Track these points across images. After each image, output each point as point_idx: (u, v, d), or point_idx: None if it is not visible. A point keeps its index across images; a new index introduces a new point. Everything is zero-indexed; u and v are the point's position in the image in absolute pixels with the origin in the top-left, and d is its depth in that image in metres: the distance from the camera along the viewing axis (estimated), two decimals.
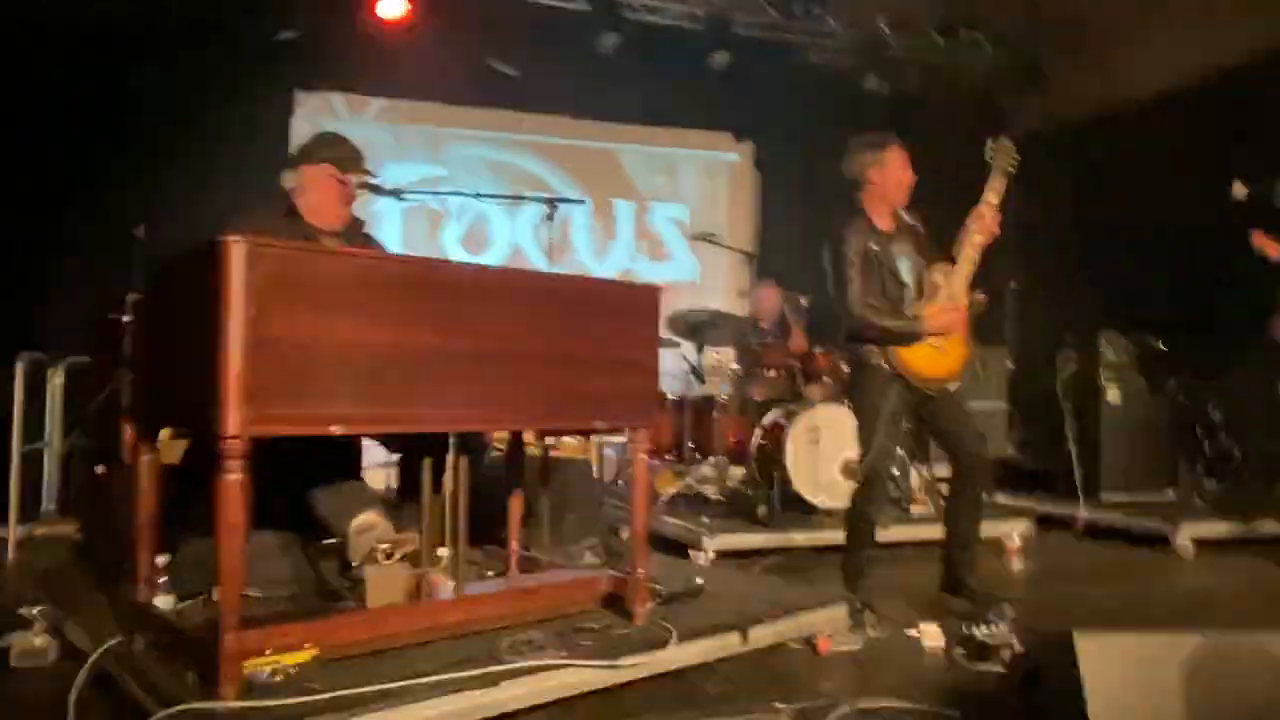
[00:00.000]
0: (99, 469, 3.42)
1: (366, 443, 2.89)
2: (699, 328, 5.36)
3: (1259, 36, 5.79)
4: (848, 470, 4.59)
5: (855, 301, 3.24)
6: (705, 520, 4.49)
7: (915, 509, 4.85)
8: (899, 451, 4.66)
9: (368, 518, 2.48)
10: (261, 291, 1.85)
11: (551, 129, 7.21)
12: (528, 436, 3.20)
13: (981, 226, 3.26)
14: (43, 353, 4.51)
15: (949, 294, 3.26)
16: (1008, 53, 7.32)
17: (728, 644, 2.54)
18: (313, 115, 6.52)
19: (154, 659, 2.14)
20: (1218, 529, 4.81)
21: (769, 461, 4.78)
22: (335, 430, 1.99)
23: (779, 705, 2.34)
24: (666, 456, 5.39)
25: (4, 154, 5.24)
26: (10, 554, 4.16)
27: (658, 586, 2.70)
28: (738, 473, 5.13)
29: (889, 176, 3.30)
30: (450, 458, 2.41)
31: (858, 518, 3.31)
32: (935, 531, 4.39)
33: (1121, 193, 6.53)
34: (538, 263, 7.00)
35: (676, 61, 6.76)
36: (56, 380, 4.56)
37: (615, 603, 2.60)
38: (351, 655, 2.13)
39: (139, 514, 2.35)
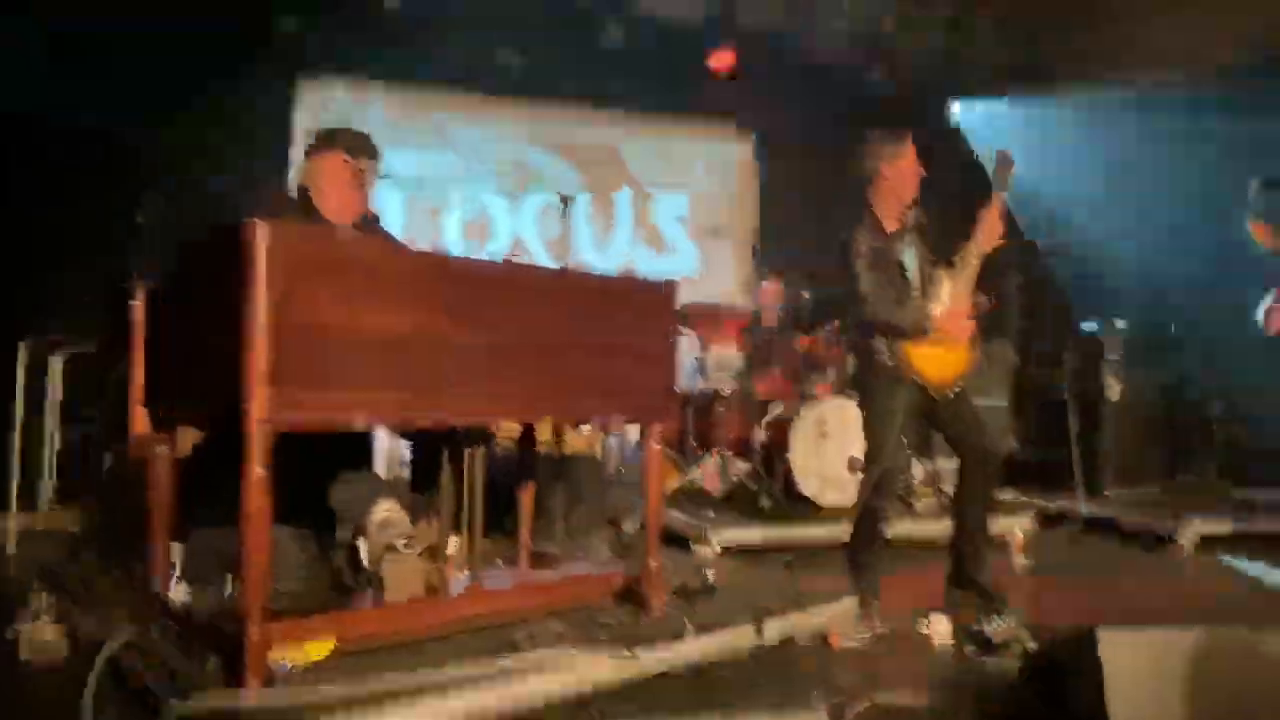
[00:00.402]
0: (108, 458, 3.39)
1: (379, 435, 2.88)
2: (701, 321, 5.36)
3: (1273, 32, 5.80)
4: (853, 466, 4.60)
5: (864, 296, 3.25)
6: (709, 514, 4.49)
7: (919, 504, 4.86)
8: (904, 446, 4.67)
9: (385, 511, 2.47)
10: (286, 274, 1.83)
11: (554, 118, 7.17)
12: (539, 430, 3.20)
13: (986, 235, 3.30)
14: (44, 338, 4.47)
15: (954, 296, 3.29)
16: (1013, 45, 7.31)
17: (743, 637, 2.55)
18: (315, 103, 6.47)
19: (172, 649, 2.12)
20: (1221, 525, 4.84)
21: (773, 455, 4.78)
22: (359, 419, 1.98)
23: (816, 704, 2.33)
24: (670, 451, 5.39)
25: (2, 139, 5.19)
26: (12, 542, 4.13)
27: (672, 580, 2.70)
28: (741, 467, 5.13)
29: (902, 172, 3.31)
30: (468, 451, 2.40)
31: (867, 516, 3.32)
32: (939, 527, 4.41)
33: (1123, 185, 6.54)
34: (540, 254, 6.98)
35: (680, 53, 6.74)
36: (57, 367, 4.52)
37: (630, 596, 2.60)
38: (370, 648, 2.12)
39: (154, 504, 2.34)
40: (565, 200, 3.52)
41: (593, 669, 2.18)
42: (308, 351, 1.86)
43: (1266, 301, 4.43)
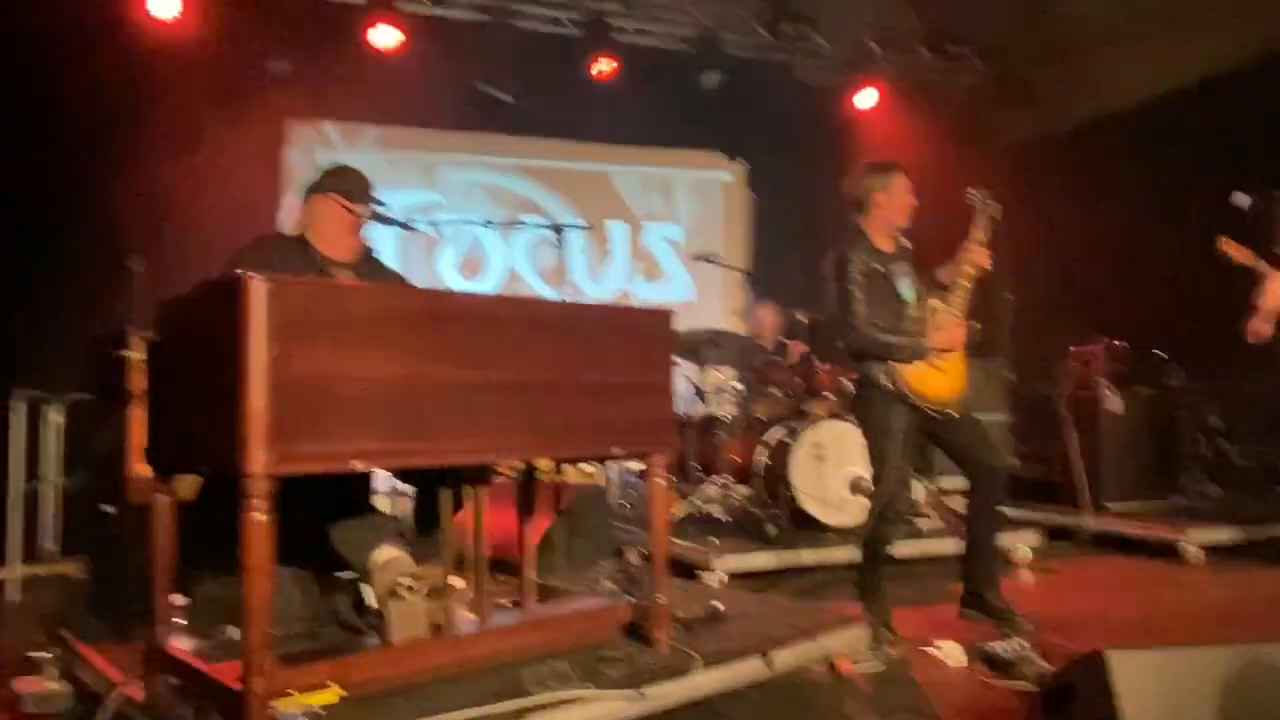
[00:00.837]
0: (107, 508, 3.38)
1: (376, 472, 2.87)
2: (699, 348, 5.37)
3: (1247, 42, 5.87)
4: (856, 486, 4.60)
5: (860, 319, 3.27)
6: (714, 541, 4.48)
7: (923, 524, 4.85)
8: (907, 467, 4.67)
9: (388, 552, 2.46)
10: (283, 329, 1.84)
11: (545, 152, 7.22)
12: (540, 463, 3.19)
13: (973, 262, 3.35)
14: (40, 390, 4.46)
15: (948, 317, 3.32)
16: (995, 66, 7.40)
17: (752, 669, 2.53)
18: (306, 144, 6.52)
19: (176, 702, 2.10)
20: (1222, 534, 4.83)
21: (775, 480, 4.77)
22: (358, 465, 1.97)
23: None
24: (671, 477, 5.37)
25: None
26: (16, 592, 4.11)
27: (678, 613, 2.68)
28: (743, 492, 5.12)
29: (894, 201, 3.37)
30: (471, 490, 2.40)
31: (874, 538, 3.31)
32: (944, 546, 4.41)
33: (1116, 200, 6.58)
34: (535, 286, 7.00)
35: (669, 82, 6.81)
36: (54, 418, 4.51)
37: (636, 630, 2.58)
38: (377, 693, 2.10)
39: (155, 554, 2.32)
40: (558, 230, 3.54)
41: (600, 708, 2.16)
42: (304, 403, 1.86)
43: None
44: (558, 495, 3.48)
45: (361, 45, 6.10)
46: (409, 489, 3.00)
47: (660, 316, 2.64)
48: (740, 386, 5.37)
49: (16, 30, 5.08)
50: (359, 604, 2.59)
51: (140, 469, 2.37)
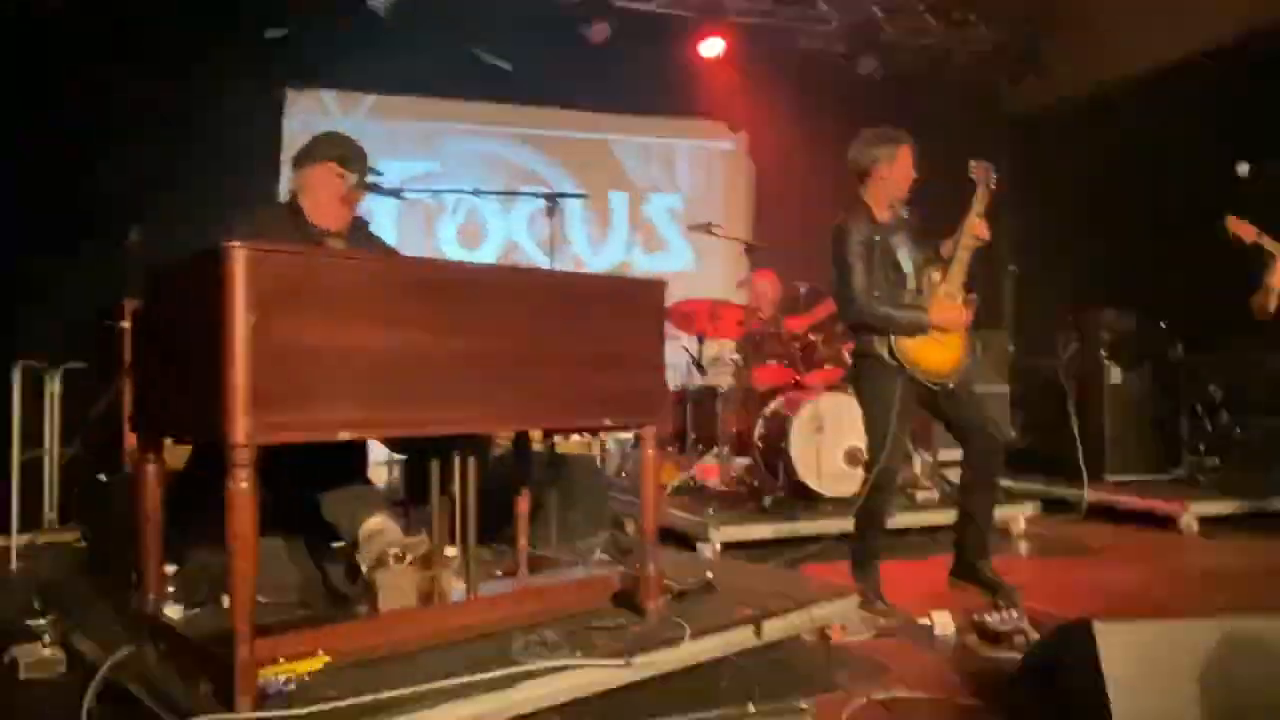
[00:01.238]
0: (101, 477, 3.39)
1: (370, 442, 2.87)
2: (697, 318, 5.34)
3: (1256, 12, 5.77)
4: (852, 457, 4.59)
5: (859, 291, 3.25)
6: (710, 512, 4.48)
7: (920, 495, 4.85)
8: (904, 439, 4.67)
9: (377, 521, 2.46)
10: (264, 297, 1.82)
11: (545, 121, 7.16)
12: (533, 433, 3.18)
13: (972, 235, 3.32)
14: (39, 359, 4.47)
15: (947, 291, 3.29)
16: (1002, 32, 7.29)
17: (741, 638, 2.53)
18: (304, 113, 6.46)
19: (166, 670, 2.12)
20: (1223, 507, 4.82)
21: (773, 451, 4.77)
22: (343, 435, 1.97)
23: (801, 705, 2.33)
24: (669, 448, 5.38)
25: None
26: (13, 563, 4.14)
27: (669, 582, 2.68)
28: (741, 463, 5.12)
29: (898, 172, 3.33)
30: (457, 459, 2.39)
31: (869, 509, 3.31)
32: (941, 517, 4.41)
33: (1118, 170, 6.51)
34: (534, 256, 6.97)
35: (669, 50, 6.72)
36: (54, 387, 4.52)
37: (627, 600, 2.59)
38: (365, 661, 2.11)
39: (144, 522, 2.33)
40: (551, 201, 3.51)
41: (588, 676, 2.16)
42: (288, 372, 1.85)
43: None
44: (551, 466, 3.48)
45: (361, 12, 6.02)
46: (400, 458, 3.00)
47: (652, 287, 2.62)
48: (738, 357, 5.35)
49: (9, 2, 5.03)
50: (352, 573, 2.60)
51: (132, 438, 2.37)
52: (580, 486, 3.66)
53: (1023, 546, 4.47)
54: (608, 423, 2.47)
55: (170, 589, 2.39)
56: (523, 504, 2.89)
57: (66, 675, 2.54)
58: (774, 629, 2.62)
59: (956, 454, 3.64)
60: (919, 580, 3.56)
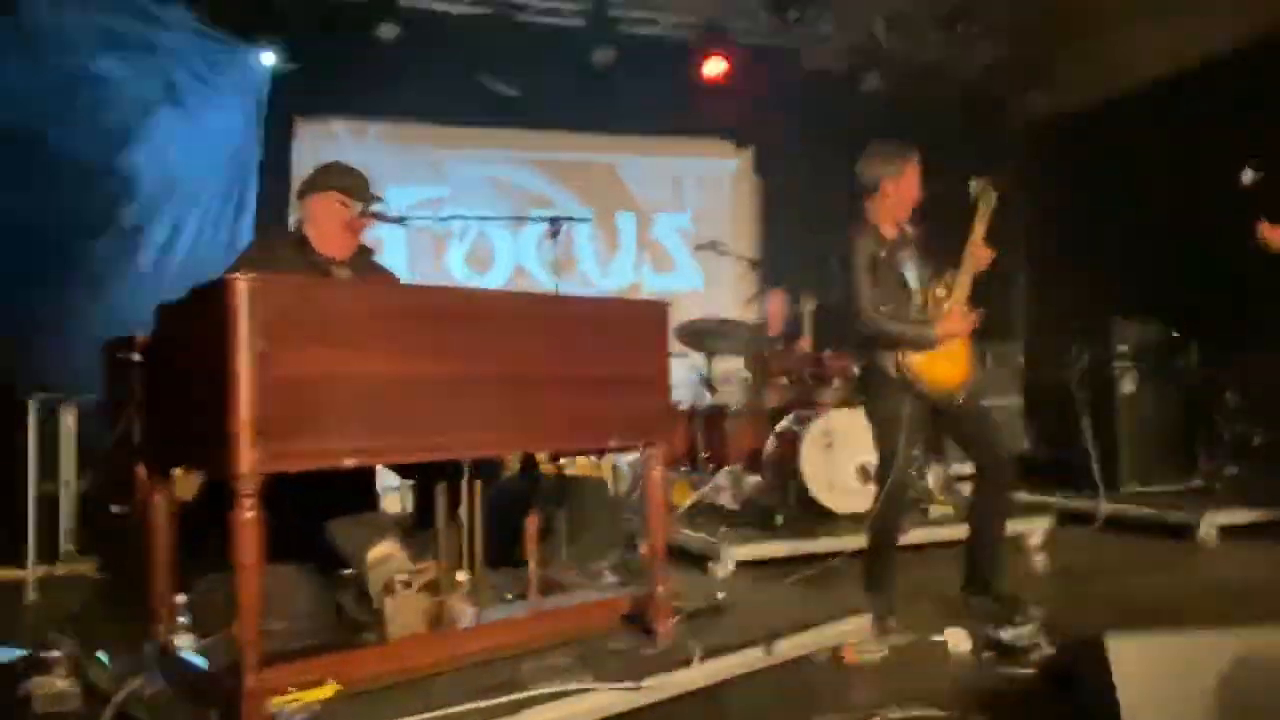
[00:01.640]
0: (115, 508, 3.42)
1: (379, 468, 2.88)
2: (707, 337, 5.35)
3: (1260, 18, 5.76)
4: (864, 473, 4.57)
5: (866, 307, 3.25)
6: (722, 531, 4.47)
7: (934, 509, 4.81)
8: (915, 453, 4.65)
9: (385, 548, 2.47)
10: (269, 328, 1.84)
11: (551, 145, 7.21)
12: (541, 455, 3.19)
13: (974, 259, 3.32)
14: (53, 392, 4.51)
15: (954, 305, 3.29)
16: (1006, 45, 7.30)
17: (751, 659, 2.52)
18: (313, 142, 6.53)
19: (177, 701, 2.12)
20: (1241, 516, 4.76)
21: (784, 468, 4.75)
22: (350, 463, 1.98)
23: None
24: (680, 468, 5.37)
25: (8, 190, 5.26)
26: (29, 595, 4.16)
27: (678, 604, 2.67)
28: (753, 481, 5.10)
29: (904, 188, 3.34)
30: (465, 483, 2.40)
31: (881, 526, 3.29)
32: (955, 532, 4.37)
33: (1127, 179, 6.49)
34: (542, 279, 6.99)
35: (673, 71, 6.77)
36: (68, 419, 4.56)
37: (637, 621, 2.58)
38: (375, 688, 2.11)
39: (154, 553, 2.34)
40: (555, 224, 3.53)
41: (599, 700, 2.16)
42: (293, 401, 1.87)
43: None
44: (560, 488, 3.48)
45: (368, 42, 6.10)
46: (409, 483, 3.01)
47: (655, 308, 2.63)
48: (747, 375, 5.35)
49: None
50: (361, 600, 2.61)
51: (143, 469, 2.39)
52: (590, 508, 3.66)
53: (1037, 560, 4.42)
54: (614, 443, 2.48)
55: (182, 619, 2.40)
56: (531, 526, 2.89)
57: (81, 708, 2.54)
58: (785, 648, 2.61)
59: (969, 468, 3.62)
60: (932, 596, 3.53)
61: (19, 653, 2.91)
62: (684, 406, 5.42)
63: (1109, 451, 5.32)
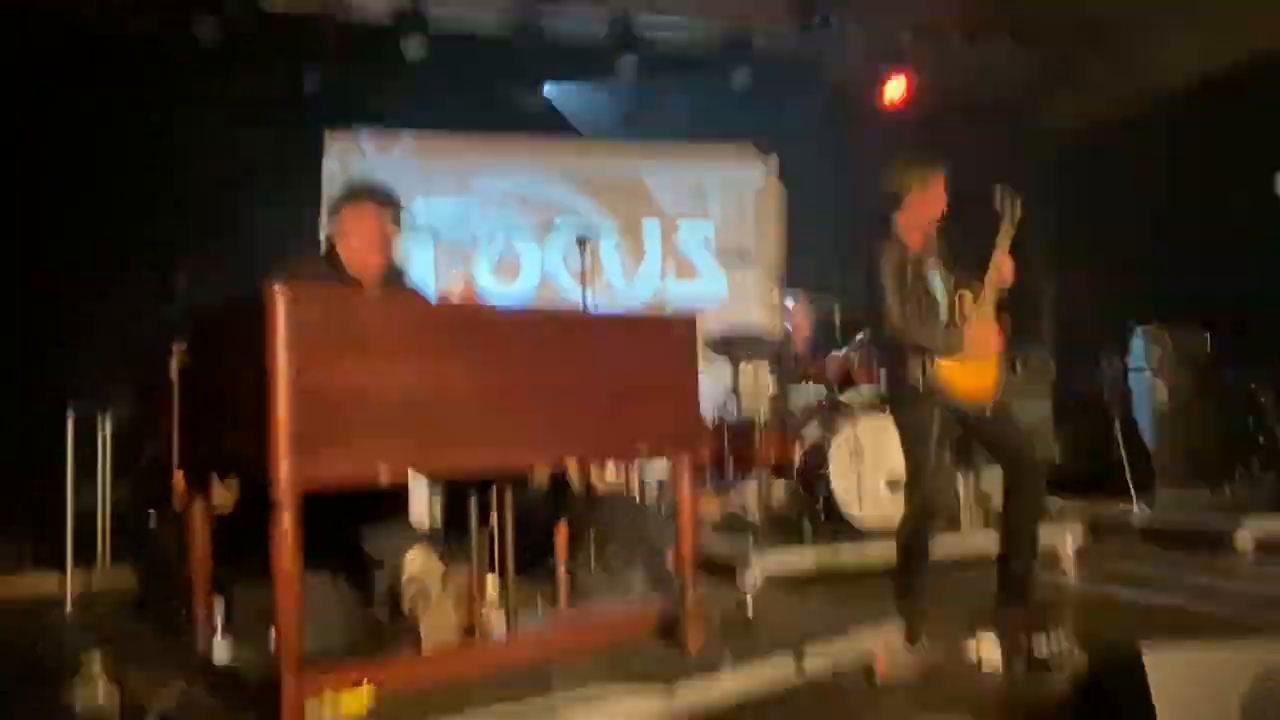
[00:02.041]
0: (151, 518, 3.47)
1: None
2: (732, 346, 5.35)
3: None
4: (893, 483, 4.55)
5: (893, 316, 3.24)
6: (750, 542, 4.46)
7: (963, 520, 4.77)
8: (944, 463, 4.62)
9: (418, 556, 2.49)
10: (306, 341, 1.87)
11: (576, 154, 7.25)
12: (570, 465, 3.20)
13: (1000, 270, 3.31)
14: (90, 403, 4.59)
15: (980, 316, 3.28)
16: (1035, 51, 7.25)
17: (783, 669, 2.52)
18: (342, 155, 6.62)
19: (215, 706, 2.16)
20: (1279, 524, 4.68)
21: (812, 478, 4.73)
22: (384, 474, 2.01)
23: None
24: (707, 478, 5.36)
25: (44, 205, 5.37)
26: (68, 603, 4.23)
27: (709, 614, 2.67)
28: (780, 491, 5.09)
29: (930, 199, 3.33)
30: (495, 492, 2.42)
31: (911, 537, 3.28)
32: (986, 542, 4.33)
33: (1157, 186, 6.42)
34: (569, 289, 7.02)
35: (697, 80, 6.79)
36: (106, 430, 4.64)
37: (667, 632, 2.59)
38: (409, 695, 2.13)
39: (192, 562, 2.39)
40: (583, 242, 3.55)
41: (629, 708, 2.16)
42: (330, 413, 1.90)
43: None
44: (588, 498, 3.49)
45: (395, 56, 6.17)
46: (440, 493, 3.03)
47: (682, 321, 2.65)
48: (774, 384, 5.34)
49: (62, 45, 5.22)
50: (395, 608, 2.63)
51: (180, 478, 2.44)
52: (618, 518, 3.68)
53: (1070, 570, 4.38)
54: (643, 453, 2.49)
55: (219, 625, 2.43)
56: (561, 536, 2.91)
57: (122, 715, 2.59)
58: (817, 660, 2.60)
59: (999, 478, 3.59)
60: (964, 607, 3.50)
61: (60, 660, 2.96)
62: (710, 416, 5.42)
63: (1142, 459, 5.27)
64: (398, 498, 2.85)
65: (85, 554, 4.46)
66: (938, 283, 3.32)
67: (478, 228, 6.84)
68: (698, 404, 2.66)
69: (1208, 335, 5.65)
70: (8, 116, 5.25)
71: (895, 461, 4.27)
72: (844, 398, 5.07)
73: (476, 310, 2.45)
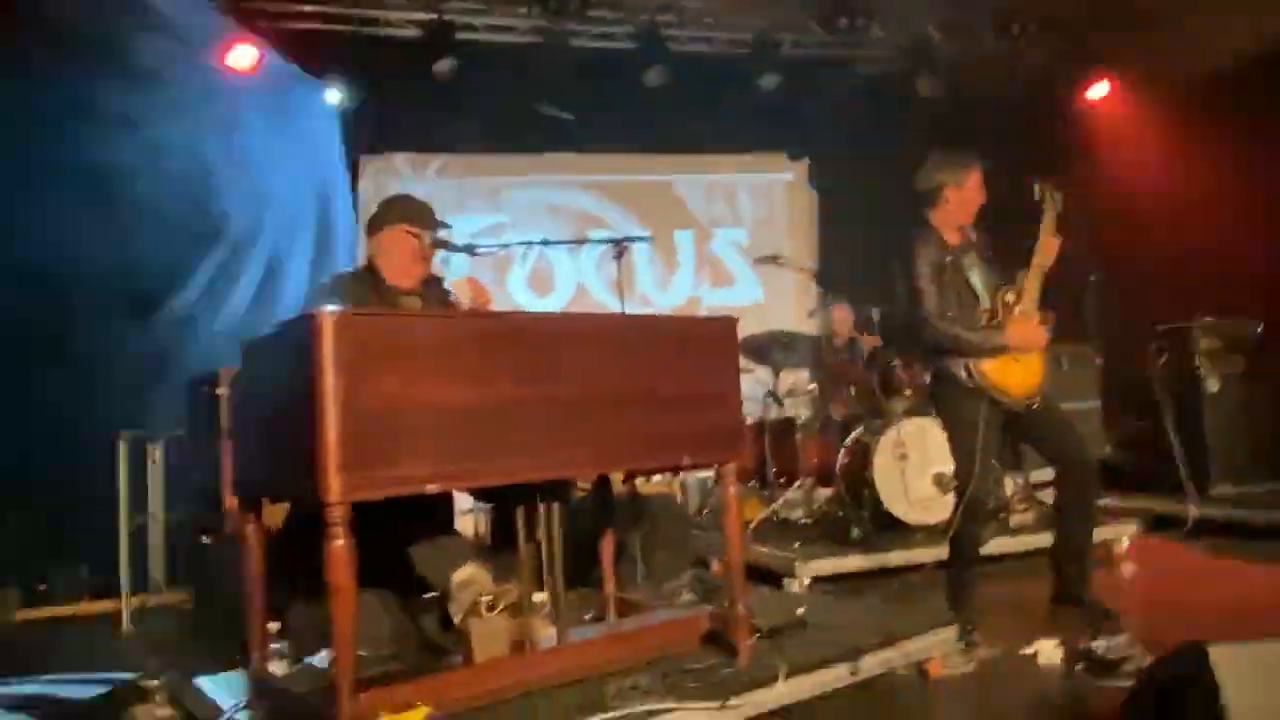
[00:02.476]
0: (204, 539, 3.53)
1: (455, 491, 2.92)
2: (771, 350, 5.32)
3: None
4: (940, 483, 4.49)
5: (932, 314, 3.21)
6: (797, 545, 4.42)
7: (1014, 519, 4.69)
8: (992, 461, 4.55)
9: (468, 571, 2.50)
10: (353, 360, 1.89)
11: (607, 166, 7.29)
12: (614, 475, 3.20)
13: (1042, 256, 3.28)
14: (142, 429, 4.69)
15: (1022, 311, 3.24)
16: (1066, 39, 7.14)
17: (836, 676, 2.49)
18: (377, 178, 6.71)
19: None
20: None
21: (857, 481, 4.69)
22: (431, 488, 2.02)
23: None
24: (750, 482, 5.33)
25: (99, 239, 5.49)
26: (125, 626, 4.32)
27: (758, 621, 2.65)
28: (824, 494, 5.05)
29: (966, 195, 3.30)
30: (542, 505, 2.43)
31: (962, 537, 3.23)
32: (1036, 541, 4.26)
33: (1200, 173, 6.28)
34: (603, 299, 7.04)
35: (726, 87, 6.79)
36: (157, 455, 4.74)
37: (717, 640, 2.57)
38: (463, 710, 2.14)
39: (246, 582, 2.41)
40: (619, 249, 3.56)
41: None
42: (377, 430, 1.92)
43: None
44: (633, 508, 3.49)
45: (425, 77, 6.24)
46: (486, 506, 3.05)
47: (724, 324, 2.64)
48: (813, 387, 5.31)
49: (108, 81, 5.32)
50: (445, 623, 2.65)
51: (232, 501, 2.47)
52: (662, 527, 3.67)
53: (1126, 567, 4.28)
54: (687, 461, 2.48)
55: (274, 646, 2.46)
56: (607, 547, 2.91)
57: None
58: (870, 665, 2.57)
59: (1049, 474, 3.53)
60: (1019, 608, 3.44)
61: (119, 680, 3.02)
62: (751, 421, 5.40)
63: (1196, 453, 5.13)
64: (443, 513, 2.89)
65: (139, 578, 4.56)
66: (978, 279, 3.29)
67: (507, 245, 6.87)
68: (740, 408, 2.64)
69: (1259, 325, 5.49)
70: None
71: (941, 461, 4.23)
72: (886, 398, 5.01)
73: (517, 318, 2.46)
